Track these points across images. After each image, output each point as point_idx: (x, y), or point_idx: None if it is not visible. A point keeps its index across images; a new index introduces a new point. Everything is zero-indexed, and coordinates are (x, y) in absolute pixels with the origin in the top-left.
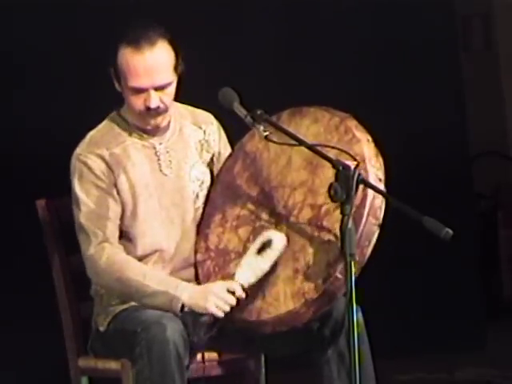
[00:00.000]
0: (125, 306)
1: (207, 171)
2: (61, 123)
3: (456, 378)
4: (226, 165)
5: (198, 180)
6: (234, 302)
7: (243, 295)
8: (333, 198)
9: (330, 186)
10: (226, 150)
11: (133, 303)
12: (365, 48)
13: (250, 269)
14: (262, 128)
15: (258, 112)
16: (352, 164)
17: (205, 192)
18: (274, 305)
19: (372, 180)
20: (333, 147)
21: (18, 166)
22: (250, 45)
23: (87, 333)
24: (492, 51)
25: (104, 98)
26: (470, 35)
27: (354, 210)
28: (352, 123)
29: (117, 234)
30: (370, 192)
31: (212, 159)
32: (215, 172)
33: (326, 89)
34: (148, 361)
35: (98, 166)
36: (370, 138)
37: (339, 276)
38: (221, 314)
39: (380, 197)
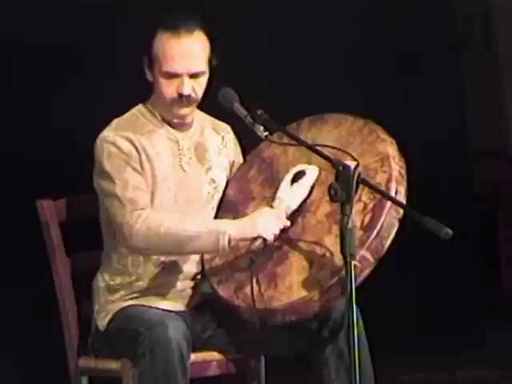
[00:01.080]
0: (125, 304)
1: (222, 175)
2: (62, 124)
3: (456, 378)
4: (240, 171)
5: (213, 182)
6: (281, 225)
7: (288, 223)
8: (333, 198)
9: (330, 186)
10: (239, 161)
11: (132, 302)
12: (364, 48)
13: (287, 197)
14: (261, 128)
15: (258, 112)
16: (352, 164)
17: (219, 195)
18: (286, 293)
19: (395, 176)
20: (333, 147)
21: (19, 166)
22: (250, 45)
23: (87, 333)
24: (492, 51)
25: (105, 98)
26: (470, 35)
27: (376, 201)
28: (376, 126)
29: (150, 203)
30: (393, 185)
31: (227, 165)
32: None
33: (325, 89)
34: (151, 361)
35: (126, 146)
36: (393, 141)
37: (357, 264)
38: (271, 237)
39: (402, 192)
